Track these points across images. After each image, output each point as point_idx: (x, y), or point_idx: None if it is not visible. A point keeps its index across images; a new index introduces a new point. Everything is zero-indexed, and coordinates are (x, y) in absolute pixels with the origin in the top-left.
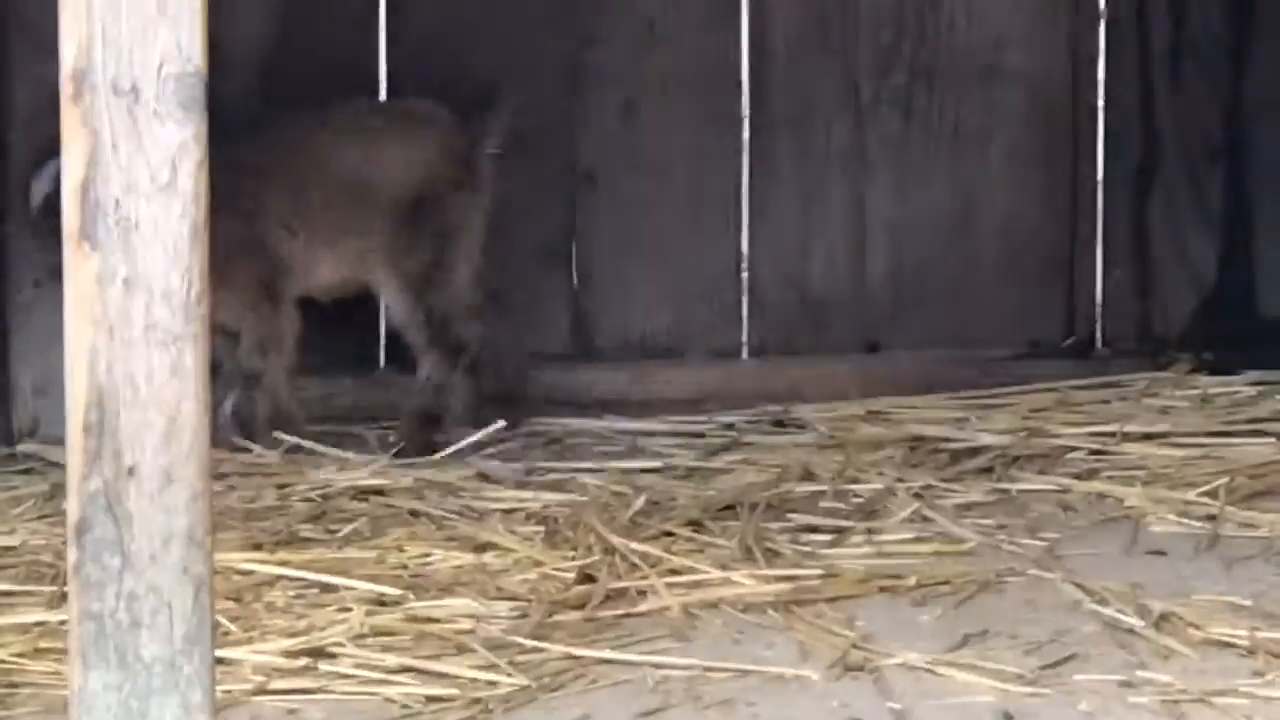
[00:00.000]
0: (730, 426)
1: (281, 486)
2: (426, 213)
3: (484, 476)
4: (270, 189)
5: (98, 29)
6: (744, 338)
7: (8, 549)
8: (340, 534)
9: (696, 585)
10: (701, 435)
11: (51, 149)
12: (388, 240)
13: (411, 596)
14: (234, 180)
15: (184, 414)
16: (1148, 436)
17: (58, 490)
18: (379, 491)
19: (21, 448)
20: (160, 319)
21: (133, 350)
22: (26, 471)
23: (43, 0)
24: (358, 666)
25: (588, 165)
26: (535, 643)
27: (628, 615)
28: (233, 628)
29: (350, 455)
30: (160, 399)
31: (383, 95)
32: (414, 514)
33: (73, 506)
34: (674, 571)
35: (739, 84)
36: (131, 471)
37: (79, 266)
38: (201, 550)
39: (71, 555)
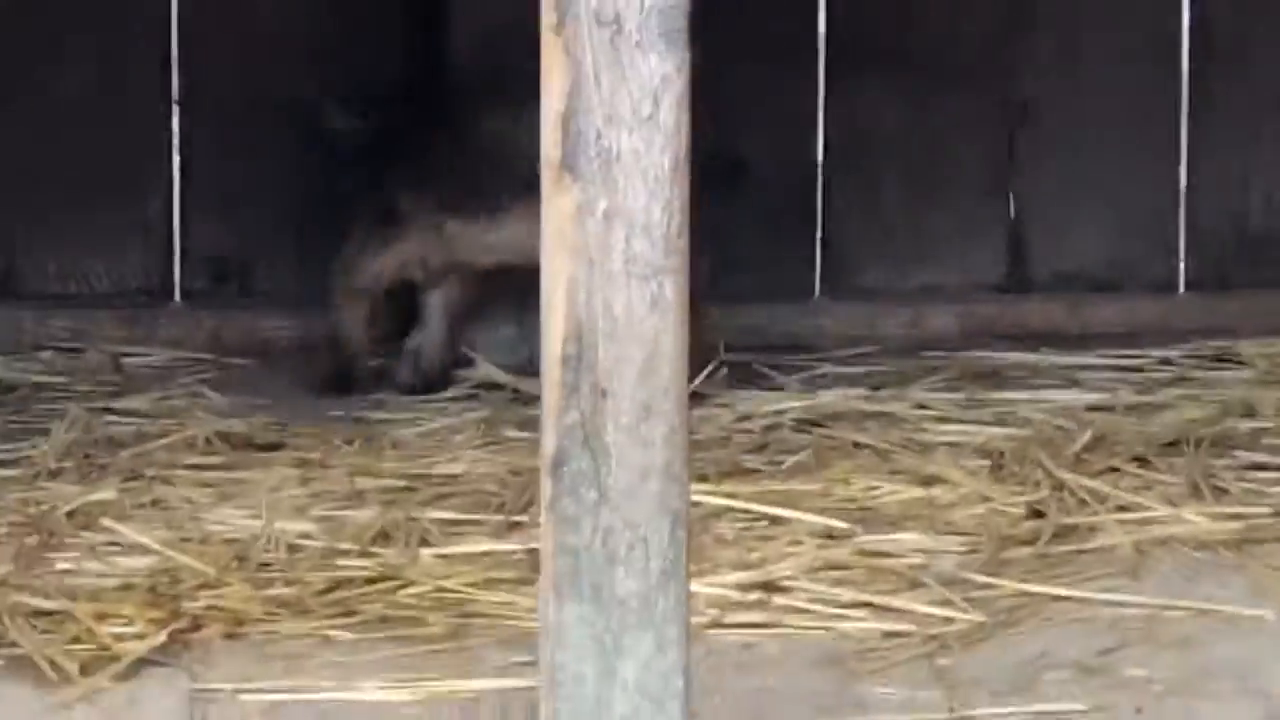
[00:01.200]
0: (1168, 361)
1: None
2: None
3: None
4: None
5: None
6: (1181, 272)
7: (452, 477)
8: (785, 466)
9: (1146, 522)
10: (1139, 370)
11: None
12: None
13: (861, 530)
14: None
15: (662, 347)
16: None
17: (496, 416)
18: (818, 423)
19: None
20: (640, 252)
21: (612, 283)
22: (465, 398)
23: None
24: (811, 601)
25: (1026, 98)
26: (988, 579)
27: (1079, 552)
28: None
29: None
30: (639, 333)
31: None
32: (858, 446)
33: (548, 440)
34: (1123, 508)
35: (1180, 18)
36: (609, 405)
37: (558, 197)
38: (679, 484)
39: (547, 489)
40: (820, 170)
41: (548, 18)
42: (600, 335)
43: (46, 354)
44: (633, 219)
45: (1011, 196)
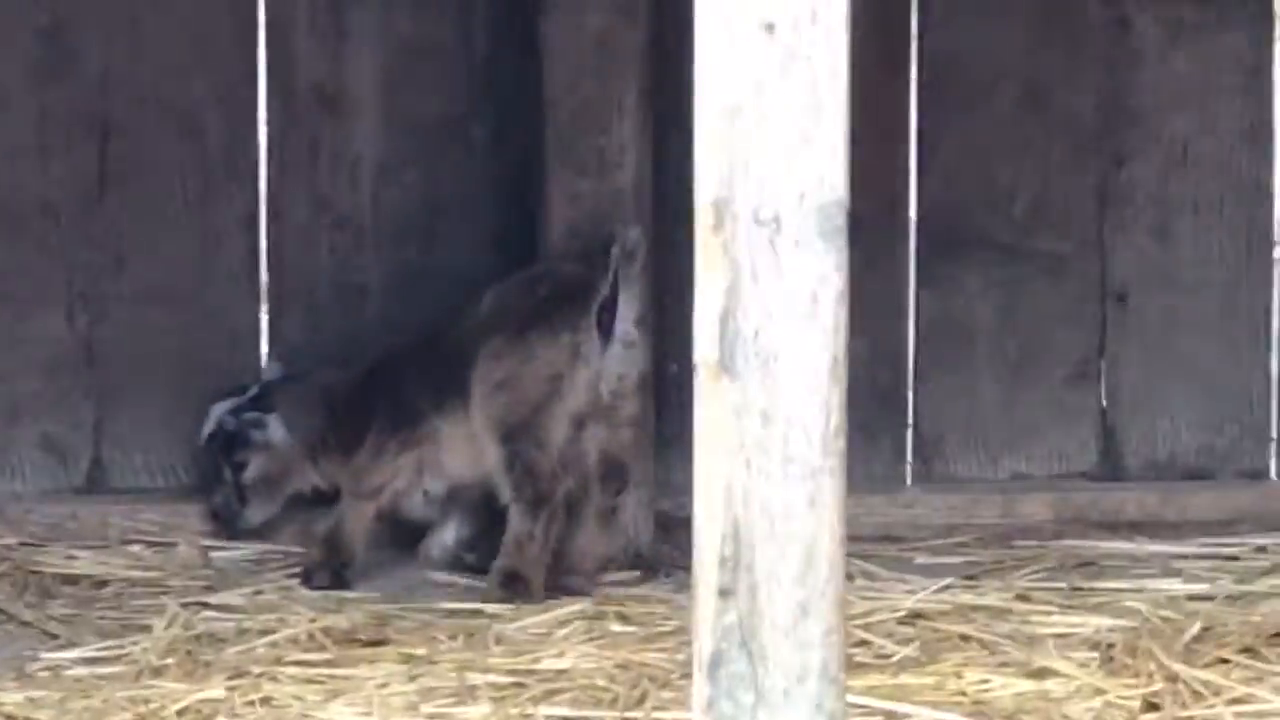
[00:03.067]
0: (1263, 549)
1: None
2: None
3: None
4: None
5: (739, 159)
6: (1274, 458)
7: (559, 673)
8: (894, 659)
9: (1262, 715)
10: (1236, 558)
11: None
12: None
13: None
14: None
15: (820, 547)
16: None
17: (600, 611)
18: (921, 615)
19: None
20: (798, 452)
21: (770, 483)
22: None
23: (579, 119)
24: None
25: (1119, 285)
26: None
27: None
28: None
29: None
30: (796, 532)
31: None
32: (964, 638)
33: (704, 641)
34: (1237, 700)
35: (1271, 206)
36: (767, 606)
37: (716, 397)
38: (835, 686)
39: (703, 691)
40: (912, 359)
41: (705, 218)
42: (758, 536)
43: (135, 548)
44: (791, 418)
45: (1103, 384)
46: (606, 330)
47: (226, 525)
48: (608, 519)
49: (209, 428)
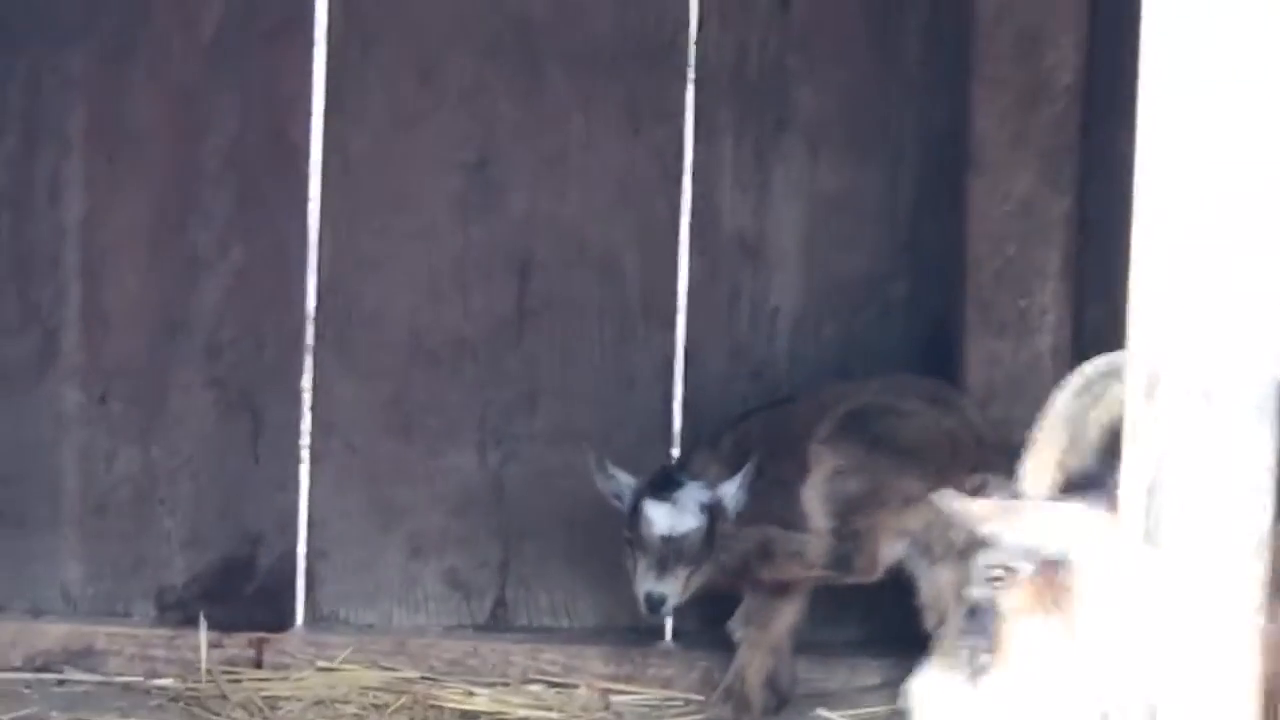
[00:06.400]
0: None
1: None
2: None
3: None
4: None
5: (1175, 330)
6: None
7: None
8: None
9: None
10: None
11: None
12: None
13: None
14: None
15: None
16: None
17: None
18: None
19: None
20: (1219, 627)
21: (1189, 656)
22: None
23: (1001, 281)
24: None
25: None
26: None
27: None
28: None
29: None
30: (1214, 707)
31: None
32: None
33: None
34: None
35: None
36: None
37: (1144, 570)
38: None
39: None
40: None
41: (1137, 387)
42: (1175, 709)
43: (535, 687)
44: (1213, 594)
45: None
46: None
47: (653, 611)
48: None
49: (684, 518)
